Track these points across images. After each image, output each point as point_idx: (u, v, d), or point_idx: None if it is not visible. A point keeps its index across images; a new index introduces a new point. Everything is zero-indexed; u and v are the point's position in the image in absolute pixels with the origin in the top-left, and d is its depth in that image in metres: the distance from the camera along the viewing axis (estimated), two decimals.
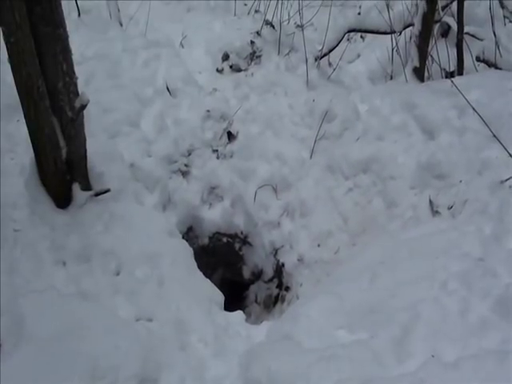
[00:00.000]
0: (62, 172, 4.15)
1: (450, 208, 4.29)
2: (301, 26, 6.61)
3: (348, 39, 7.40)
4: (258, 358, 3.45)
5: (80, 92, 4.12)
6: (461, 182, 4.42)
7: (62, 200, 4.19)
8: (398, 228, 4.45)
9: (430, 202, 4.44)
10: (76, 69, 4.10)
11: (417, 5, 6.26)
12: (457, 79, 5.40)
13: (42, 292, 3.52)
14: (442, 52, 6.21)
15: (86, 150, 4.28)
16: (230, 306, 4.47)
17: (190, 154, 5.36)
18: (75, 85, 4.11)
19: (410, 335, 3.19)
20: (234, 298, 5.05)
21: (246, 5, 7.83)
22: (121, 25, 6.76)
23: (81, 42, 5.65)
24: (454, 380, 2.85)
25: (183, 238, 4.77)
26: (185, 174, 5.25)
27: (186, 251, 4.43)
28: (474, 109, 4.38)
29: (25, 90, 3.82)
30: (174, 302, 3.88)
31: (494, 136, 4.27)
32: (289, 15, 7.02)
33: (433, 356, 3.05)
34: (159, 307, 3.81)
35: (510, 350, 2.93)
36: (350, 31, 6.92)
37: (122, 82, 5.51)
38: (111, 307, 3.70)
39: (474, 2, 6.70)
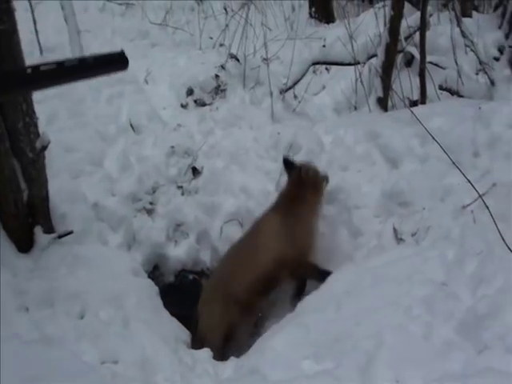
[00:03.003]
0: (24, 215, 4.11)
1: (413, 235, 4.30)
2: (266, 60, 6.64)
3: (314, 71, 7.45)
4: None
5: (41, 132, 4.10)
6: (424, 209, 4.44)
7: (24, 244, 4.13)
8: (363, 256, 4.44)
9: (394, 229, 4.46)
10: (38, 107, 4.09)
11: (380, 36, 6.35)
12: (419, 108, 5.47)
13: (5, 340, 3.45)
14: (406, 81, 6.27)
15: (47, 192, 4.24)
16: None
17: (154, 192, 5.33)
18: (36, 125, 4.09)
19: (374, 362, 3.16)
20: None
21: (211, 38, 7.86)
22: None
23: None
24: None
25: (149, 276, 4.71)
26: (149, 211, 5.21)
27: (151, 290, 4.37)
28: (433, 137, 4.41)
29: None
30: (139, 342, 3.79)
31: (454, 163, 4.31)
32: (254, 49, 7.07)
33: (397, 382, 3.03)
34: (124, 348, 3.72)
35: (472, 373, 2.92)
36: (314, 63, 6.99)
37: (86, 120, 5.51)
38: (76, 352, 3.61)
39: (436, 31, 6.81)
